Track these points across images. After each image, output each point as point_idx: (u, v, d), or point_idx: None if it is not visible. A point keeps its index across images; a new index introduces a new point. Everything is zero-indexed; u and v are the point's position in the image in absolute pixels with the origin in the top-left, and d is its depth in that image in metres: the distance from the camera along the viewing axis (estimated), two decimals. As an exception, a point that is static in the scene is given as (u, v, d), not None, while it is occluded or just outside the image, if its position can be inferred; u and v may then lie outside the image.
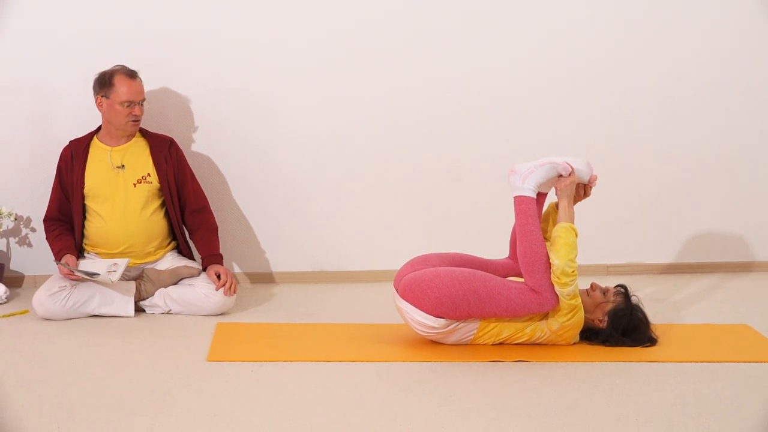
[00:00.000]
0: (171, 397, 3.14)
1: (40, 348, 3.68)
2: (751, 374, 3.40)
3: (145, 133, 4.32)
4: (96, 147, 4.26)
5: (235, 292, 4.17)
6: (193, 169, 4.43)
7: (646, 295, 4.38)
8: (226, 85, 4.62)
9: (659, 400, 3.14)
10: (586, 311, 3.66)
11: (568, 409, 3.06)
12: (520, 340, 3.64)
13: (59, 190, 4.28)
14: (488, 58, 4.72)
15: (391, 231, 4.81)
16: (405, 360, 3.53)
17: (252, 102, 4.65)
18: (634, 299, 3.71)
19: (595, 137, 4.84)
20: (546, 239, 3.75)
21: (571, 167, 3.65)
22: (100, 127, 4.31)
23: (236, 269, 4.78)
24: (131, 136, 4.26)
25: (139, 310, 4.17)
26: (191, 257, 4.37)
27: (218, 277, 4.16)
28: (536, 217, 3.56)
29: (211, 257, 4.27)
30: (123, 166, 4.23)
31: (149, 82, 4.39)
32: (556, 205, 3.79)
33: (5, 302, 4.33)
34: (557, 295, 3.52)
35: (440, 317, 3.56)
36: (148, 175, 4.24)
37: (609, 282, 3.91)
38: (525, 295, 3.51)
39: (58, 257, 4.16)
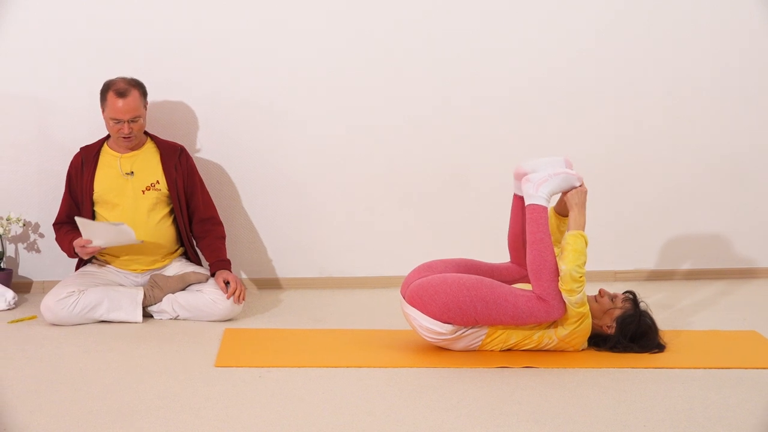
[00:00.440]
0: (179, 403, 3.14)
1: (48, 353, 3.68)
2: (759, 381, 3.39)
3: (155, 141, 4.33)
4: (106, 153, 4.27)
5: (243, 299, 4.17)
6: (202, 176, 4.44)
7: (654, 301, 4.38)
8: (236, 94, 4.63)
9: (667, 407, 3.13)
10: (594, 317, 3.66)
11: (576, 416, 3.05)
12: (528, 347, 3.63)
13: (69, 197, 4.29)
14: (494, 64, 4.72)
15: (398, 237, 4.82)
16: (413, 366, 3.53)
17: (260, 110, 4.66)
18: (642, 305, 3.70)
19: (601, 143, 4.84)
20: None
21: (581, 177, 3.64)
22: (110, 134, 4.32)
23: (243, 275, 4.79)
24: (134, 148, 4.25)
25: (146, 315, 4.17)
26: (199, 264, 4.38)
27: (227, 284, 4.16)
28: (547, 226, 3.56)
29: (219, 263, 4.27)
30: (132, 172, 4.24)
31: (157, 91, 4.40)
32: (556, 211, 3.79)
33: (14, 308, 4.34)
34: (565, 304, 3.51)
35: (448, 323, 3.56)
36: (157, 182, 4.24)
37: (617, 288, 3.90)
38: (532, 302, 3.50)
39: (69, 250, 4.16)
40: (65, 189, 4.31)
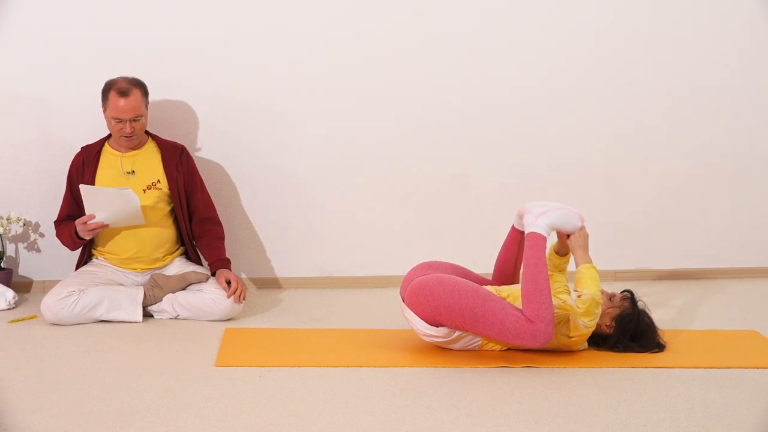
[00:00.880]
0: (179, 403, 3.14)
1: (48, 353, 3.68)
2: (759, 380, 3.39)
3: (156, 140, 4.33)
4: (107, 153, 4.27)
5: (244, 299, 4.17)
6: (202, 175, 4.44)
7: (654, 300, 4.37)
8: (236, 94, 4.63)
9: (667, 407, 3.13)
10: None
11: (576, 415, 3.05)
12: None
13: (70, 196, 4.29)
14: (494, 64, 4.72)
15: (397, 237, 4.82)
16: (412, 365, 3.53)
17: (260, 110, 4.66)
18: (640, 304, 3.71)
19: (601, 143, 4.84)
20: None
21: (582, 218, 3.66)
22: (111, 134, 4.32)
23: (243, 275, 4.79)
24: (135, 147, 4.26)
25: (147, 315, 4.18)
26: (199, 263, 4.38)
27: (228, 283, 4.17)
28: (544, 253, 3.54)
29: (219, 262, 4.28)
30: (133, 172, 4.24)
31: (158, 90, 4.40)
32: (556, 251, 3.81)
33: (14, 307, 4.34)
34: (551, 330, 3.46)
35: (440, 326, 3.57)
36: (158, 181, 4.24)
37: (616, 288, 3.90)
38: (519, 323, 3.48)
39: (72, 235, 4.14)
40: (66, 188, 4.31)
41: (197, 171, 4.38)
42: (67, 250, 4.33)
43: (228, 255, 4.41)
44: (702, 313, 4.31)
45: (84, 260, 4.29)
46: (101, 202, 4.04)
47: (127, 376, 3.41)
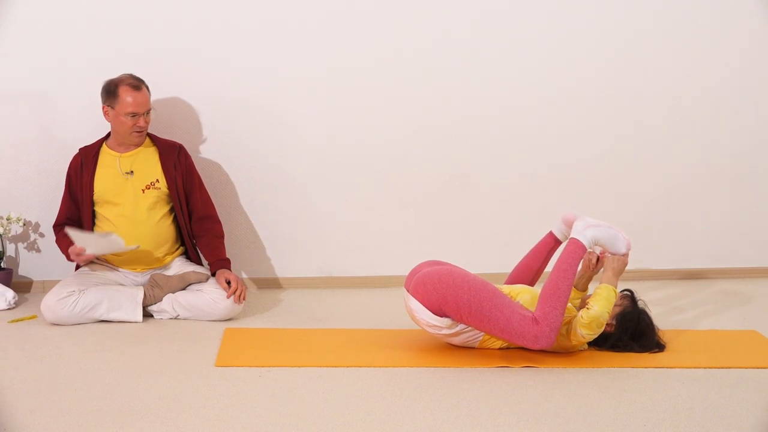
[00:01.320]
0: (179, 403, 3.14)
1: (48, 353, 3.68)
2: (759, 380, 3.39)
3: (154, 139, 4.33)
4: (105, 153, 4.27)
5: (244, 299, 4.17)
6: (201, 175, 4.44)
7: (654, 300, 4.38)
8: (236, 94, 4.64)
9: (667, 407, 3.13)
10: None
11: (576, 415, 3.05)
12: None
13: (69, 197, 4.29)
14: (495, 65, 4.72)
15: (397, 237, 4.82)
16: (412, 365, 3.53)
17: (260, 109, 4.67)
18: (640, 303, 3.71)
19: (601, 143, 4.84)
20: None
21: (629, 246, 3.66)
22: (109, 134, 4.32)
23: (244, 275, 4.79)
24: (137, 145, 4.27)
25: (147, 315, 4.18)
26: (199, 263, 4.38)
27: (228, 283, 4.17)
28: (578, 264, 3.55)
29: (219, 262, 4.28)
30: (132, 172, 4.24)
31: (158, 90, 4.41)
32: (574, 285, 3.82)
33: (14, 307, 4.34)
34: (554, 335, 3.48)
35: (444, 316, 3.57)
36: (157, 181, 4.25)
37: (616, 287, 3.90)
38: (525, 323, 3.48)
39: (67, 252, 4.16)
40: (65, 190, 4.31)
41: (195, 169, 4.38)
42: (67, 250, 4.35)
43: (228, 255, 4.41)
44: (702, 313, 4.31)
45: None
46: (89, 242, 4.07)
47: (127, 376, 3.41)
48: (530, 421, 3.00)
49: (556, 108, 4.79)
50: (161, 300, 4.17)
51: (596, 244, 3.63)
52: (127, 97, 4.13)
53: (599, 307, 3.50)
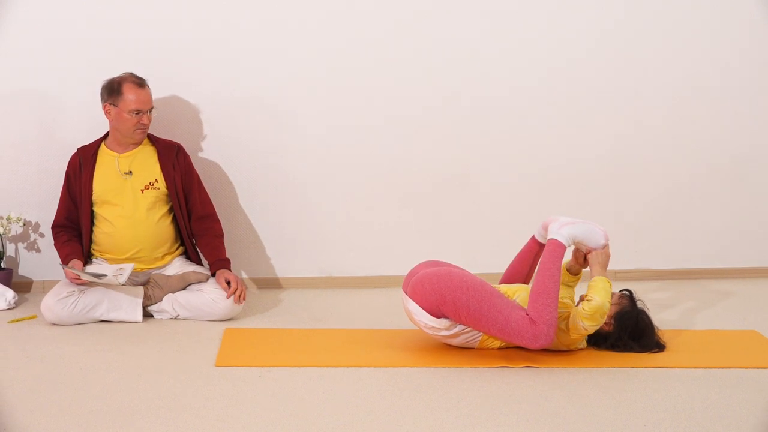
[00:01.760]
0: (179, 403, 3.14)
1: (48, 353, 3.68)
2: (759, 380, 3.39)
3: (153, 139, 4.33)
4: (104, 153, 4.27)
5: (244, 299, 4.17)
6: (201, 175, 4.45)
7: (654, 300, 4.38)
8: (234, 93, 4.64)
9: (667, 407, 3.13)
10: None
11: (576, 415, 3.05)
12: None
13: (67, 197, 4.29)
14: (495, 65, 4.72)
15: (398, 237, 4.82)
16: (412, 365, 3.53)
17: (259, 109, 4.67)
18: (639, 303, 3.71)
19: (602, 143, 4.84)
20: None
21: (607, 236, 3.68)
22: (107, 134, 4.32)
23: (243, 275, 4.79)
24: (138, 143, 4.27)
25: (147, 315, 4.18)
26: (199, 263, 4.38)
27: (228, 283, 4.17)
28: (561, 261, 3.57)
29: (219, 262, 4.28)
30: (131, 172, 4.24)
31: (158, 90, 4.40)
32: (567, 269, 3.82)
33: (14, 307, 4.34)
34: (553, 334, 3.48)
35: (442, 317, 3.57)
36: (156, 181, 4.25)
37: (615, 287, 3.89)
38: (522, 323, 3.49)
39: (65, 262, 4.16)
40: (63, 190, 4.31)
41: (194, 169, 4.38)
42: (67, 250, 4.34)
43: (228, 255, 4.41)
44: (702, 313, 4.31)
45: (84, 261, 4.28)
46: (86, 275, 4.04)
47: (127, 376, 3.41)
48: (530, 421, 3.00)
49: (556, 108, 4.79)
50: (161, 300, 4.17)
51: (574, 241, 3.64)
52: (131, 94, 4.14)
53: (600, 297, 3.51)
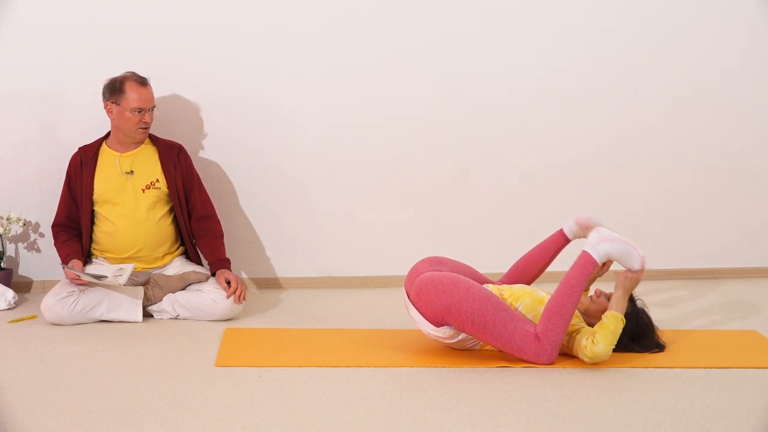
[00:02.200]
0: (179, 403, 3.14)
1: (48, 353, 3.68)
2: (759, 380, 3.39)
3: (154, 139, 4.33)
4: (105, 153, 4.27)
5: (244, 299, 4.17)
6: (201, 175, 4.45)
7: (654, 300, 4.38)
8: (235, 93, 4.64)
9: (667, 407, 3.13)
10: (592, 318, 3.66)
11: (576, 415, 3.05)
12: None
13: (68, 197, 4.29)
14: (494, 64, 4.72)
15: (398, 236, 4.82)
16: (412, 365, 3.53)
17: (260, 109, 4.67)
18: (639, 303, 3.70)
19: (601, 143, 4.84)
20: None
21: (644, 263, 3.56)
22: (108, 134, 4.32)
23: (244, 275, 4.79)
24: (140, 142, 4.28)
25: (147, 315, 4.18)
26: (199, 263, 4.38)
27: (228, 283, 4.17)
28: (586, 280, 3.49)
29: (219, 262, 4.28)
30: (132, 171, 4.24)
31: (158, 90, 4.40)
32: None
33: (14, 307, 4.34)
34: (556, 352, 3.48)
35: (444, 325, 3.56)
36: (157, 180, 4.25)
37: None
38: (527, 340, 3.47)
39: (65, 262, 4.16)
40: (64, 189, 4.31)
41: (194, 169, 4.38)
42: (67, 250, 4.34)
43: (228, 255, 4.41)
44: (702, 313, 4.31)
45: (84, 260, 4.28)
46: (86, 275, 4.04)
47: (127, 376, 3.41)
48: (530, 421, 3.00)
49: (556, 108, 4.79)
50: (161, 300, 4.17)
51: (608, 259, 3.55)
52: (133, 92, 4.14)
53: (605, 345, 3.46)
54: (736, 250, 4.98)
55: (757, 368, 3.52)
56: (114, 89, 4.17)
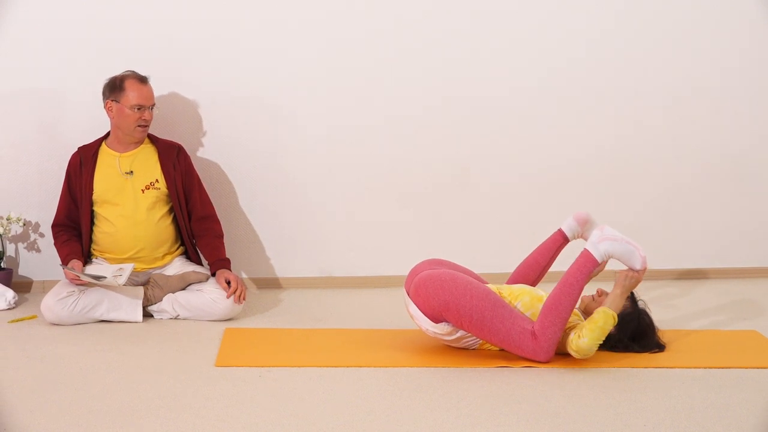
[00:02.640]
0: (179, 403, 3.14)
1: (48, 353, 3.68)
2: (759, 380, 3.39)
3: (153, 140, 4.33)
4: (105, 153, 4.27)
5: (244, 299, 4.17)
6: (201, 175, 4.45)
7: (654, 300, 4.38)
8: (235, 93, 4.64)
9: (667, 407, 3.13)
10: (592, 316, 3.66)
11: (576, 415, 3.05)
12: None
13: (68, 196, 4.29)
14: (494, 64, 4.72)
15: (398, 236, 4.82)
16: (412, 365, 3.53)
17: (259, 109, 4.67)
18: (640, 303, 3.70)
19: (601, 143, 4.84)
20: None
21: (645, 263, 3.54)
22: (108, 134, 4.32)
23: (243, 275, 4.79)
24: (139, 142, 4.28)
25: (147, 315, 4.18)
26: (199, 263, 4.38)
27: (228, 283, 4.17)
28: (586, 279, 3.49)
29: (219, 262, 4.28)
30: (131, 172, 4.24)
31: (158, 90, 4.41)
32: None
33: (14, 307, 4.34)
34: (553, 350, 3.48)
35: (442, 321, 3.56)
36: (156, 181, 4.25)
37: (616, 288, 3.90)
38: (524, 337, 3.48)
39: (65, 262, 4.16)
40: (63, 189, 4.31)
41: (194, 169, 4.38)
42: (67, 250, 4.34)
43: (228, 255, 4.41)
44: (702, 313, 4.31)
45: (84, 260, 4.28)
46: (85, 276, 4.04)
47: (127, 376, 3.41)
48: (530, 421, 3.00)
49: (556, 108, 4.79)
50: (161, 300, 4.17)
51: (609, 258, 3.54)
52: (133, 90, 4.15)
53: (589, 339, 3.46)
54: (736, 250, 4.98)
55: (757, 368, 3.52)
56: (114, 87, 4.18)
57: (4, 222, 4.46)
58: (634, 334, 3.64)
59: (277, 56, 4.63)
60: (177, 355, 3.66)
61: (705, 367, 3.51)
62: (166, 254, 4.30)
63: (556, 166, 4.83)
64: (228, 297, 4.13)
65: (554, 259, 3.90)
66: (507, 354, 3.61)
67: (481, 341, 3.62)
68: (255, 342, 3.83)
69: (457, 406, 3.12)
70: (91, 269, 4.13)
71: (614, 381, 3.37)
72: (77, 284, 4.07)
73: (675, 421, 3.01)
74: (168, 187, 4.26)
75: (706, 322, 4.17)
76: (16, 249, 4.67)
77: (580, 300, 3.72)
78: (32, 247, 4.67)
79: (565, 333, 3.56)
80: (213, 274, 4.26)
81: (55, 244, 4.30)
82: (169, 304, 4.17)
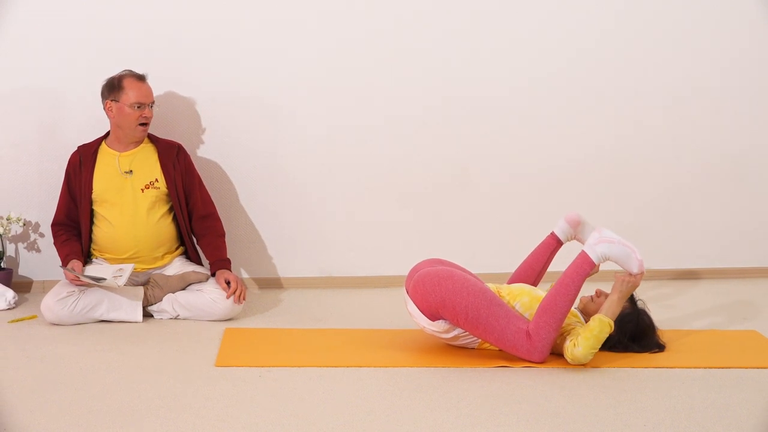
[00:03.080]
0: (179, 403, 3.14)
1: (48, 353, 3.68)
2: (759, 380, 3.39)
3: (153, 139, 4.33)
4: (104, 152, 4.27)
5: (244, 299, 4.17)
6: (201, 175, 4.45)
7: (654, 300, 4.38)
8: (235, 92, 4.64)
9: (667, 407, 3.13)
10: (590, 317, 3.65)
11: (576, 415, 3.05)
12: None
13: (67, 196, 4.29)
14: (494, 64, 4.72)
15: (398, 236, 4.82)
16: (412, 365, 3.53)
17: (260, 108, 4.67)
18: (640, 304, 3.70)
19: (601, 143, 4.84)
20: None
21: (642, 267, 3.53)
22: (108, 133, 4.32)
23: (244, 274, 4.79)
24: (139, 141, 4.28)
25: (147, 315, 4.18)
26: (199, 263, 4.38)
27: (228, 284, 4.17)
28: (583, 281, 3.48)
29: (220, 262, 4.28)
30: (131, 171, 4.24)
31: (158, 90, 4.41)
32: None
33: (14, 307, 4.34)
34: (548, 350, 3.48)
35: (439, 319, 3.56)
36: (156, 180, 4.25)
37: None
38: (518, 336, 3.48)
39: (64, 262, 4.16)
40: (63, 188, 4.31)
41: (194, 168, 4.38)
42: (67, 250, 4.34)
43: (229, 255, 4.40)
44: (702, 313, 4.31)
45: (83, 260, 4.28)
46: (85, 277, 4.03)
47: (127, 376, 3.41)
48: (530, 421, 3.00)
49: (555, 108, 4.79)
50: (161, 300, 4.17)
51: (606, 260, 3.54)
52: (132, 88, 4.15)
53: (584, 348, 3.45)
54: (736, 250, 4.98)
55: (757, 368, 3.52)
56: (113, 87, 4.18)
57: (4, 222, 4.46)
58: (633, 334, 3.64)
59: (277, 56, 4.63)
60: (177, 355, 3.66)
61: (705, 367, 3.51)
62: (166, 254, 4.30)
63: (556, 166, 4.83)
64: (228, 297, 4.13)
65: (549, 263, 3.90)
66: (507, 354, 3.61)
67: (480, 340, 3.62)
68: (255, 342, 3.83)
69: (457, 406, 3.12)
70: (91, 270, 4.13)
71: (614, 381, 3.37)
72: (77, 284, 4.07)
73: (675, 421, 3.01)
74: (168, 187, 4.26)
75: (705, 322, 4.17)
76: (16, 249, 4.67)
77: (578, 300, 3.72)
78: (32, 247, 4.67)
79: (562, 335, 3.56)
80: (213, 274, 4.26)
81: (54, 243, 4.30)
82: (169, 304, 4.17)
